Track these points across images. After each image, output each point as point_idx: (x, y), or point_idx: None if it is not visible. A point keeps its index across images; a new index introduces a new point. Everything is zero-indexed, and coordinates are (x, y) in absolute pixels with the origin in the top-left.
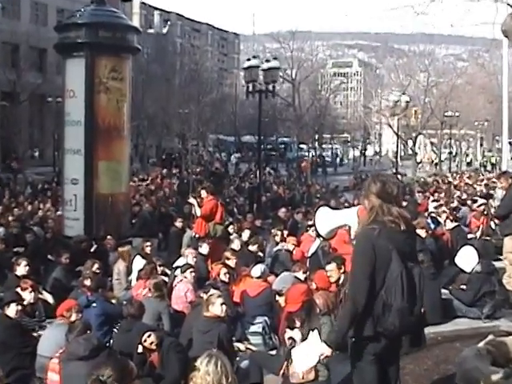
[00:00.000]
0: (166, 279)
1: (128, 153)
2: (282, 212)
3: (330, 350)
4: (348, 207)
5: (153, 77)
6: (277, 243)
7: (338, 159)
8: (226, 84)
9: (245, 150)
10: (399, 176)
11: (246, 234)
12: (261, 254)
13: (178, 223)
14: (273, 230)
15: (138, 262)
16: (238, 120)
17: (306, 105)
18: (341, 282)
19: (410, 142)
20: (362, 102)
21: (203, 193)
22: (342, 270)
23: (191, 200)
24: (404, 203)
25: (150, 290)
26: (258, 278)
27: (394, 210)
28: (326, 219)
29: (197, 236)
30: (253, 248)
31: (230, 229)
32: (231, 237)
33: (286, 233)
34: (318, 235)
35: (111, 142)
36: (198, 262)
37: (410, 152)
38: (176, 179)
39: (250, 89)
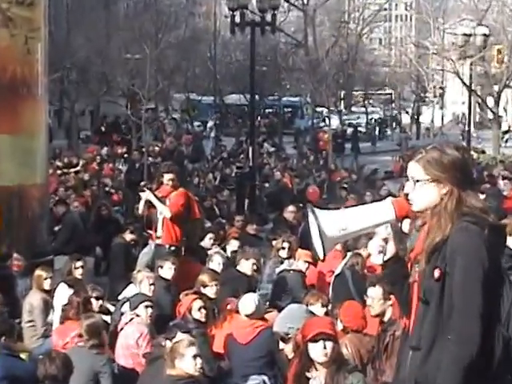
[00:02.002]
0: (108, 319)
1: (45, 122)
2: (289, 212)
3: None
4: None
5: (84, 2)
6: (281, 260)
7: (376, 129)
8: (199, 14)
9: (230, 117)
10: (474, 154)
11: (232, 247)
12: (257, 276)
13: (127, 234)
14: (275, 241)
15: (63, 294)
16: (218, 70)
17: (326, 45)
18: (386, 318)
19: (491, 101)
20: (414, 39)
21: (167, 179)
22: (390, 301)
23: (146, 194)
24: (481, 195)
25: (81, 336)
26: (249, 315)
27: (478, 201)
28: (326, 228)
29: (169, 248)
30: (243, 267)
31: (208, 239)
32: (210, 251)
33: (295, 244)
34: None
35: (16, 104)
36: (157, 292)
37: (491, 116)
38: (123, 163)
39: (237, 20)
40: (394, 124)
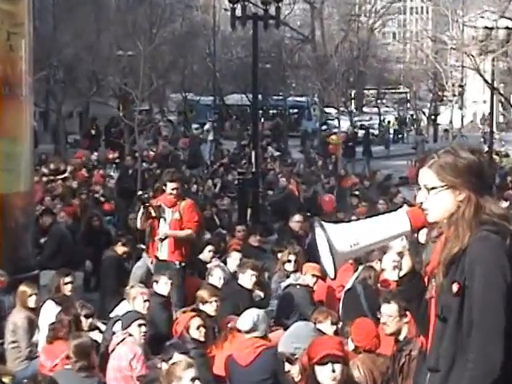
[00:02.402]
0: (99, 338)
1: (30, 125)
2: (295, 222)
3: None
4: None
5: None
6: (287, 274)
7: (390, 131)
8: (197, 7)
9: (231, 119)
10: (496, 157)
11: (234, 260)
12: (260, 292)
13: (119, 246)
14: (280, 253)
15: (50, 312)
16: (218, 68)
17: (335, 40)
18: (402, 336)
19: None
20: (431, 33)
21: (171, 188)
22: (405, 318)
23: (164, 233)
24: (504, 202)
25: (69, 357)
26: (248, 332)
27: (498, 207)
28: (336, 243)
29: (180, 264)
30: (246, 281)
31: (208, 251)
32: (209, 265)
33: (302, 256)
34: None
35: None
36: (152, 309)
37: None
38: (115, 170)
39: (239, 13)
40: (414, 125)
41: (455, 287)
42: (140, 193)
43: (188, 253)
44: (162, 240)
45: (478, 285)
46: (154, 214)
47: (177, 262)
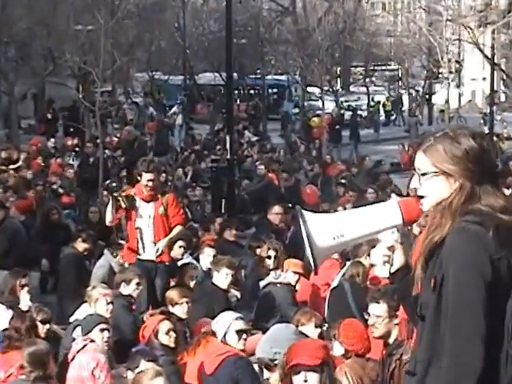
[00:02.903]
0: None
1: None
2: (274, 214)
3: None
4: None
5: None
6: (267, 271)
7: (379, 112)
8: None
9: (203, 100)
10: (497, 140)
11: (207, 256)
12: (236, 292)
13: (80, 243)
14: (259, 249)
15: (2, 317)
16: (188, 44)
17: (318, 12)
18: (391, 339)
19: None
20: (425, 3)
21: (147, 179)
22: (396, 319)
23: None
24: (506, 190)
25: (22, 367)
26: (224, 337)
27: (498, 199)
28: (317, 235)
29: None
30: (221, 281)
31: (178, 247)
32: (180, 262)
33: (282, 252)
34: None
35: None
36: (116, 312)
37: None
38: (74, 158)
39: None
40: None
41: (432, 282)
42: (108, 182)
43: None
44: (160, 254)
45: (451, 283)
46: (124, 205)
47: (166, 263)
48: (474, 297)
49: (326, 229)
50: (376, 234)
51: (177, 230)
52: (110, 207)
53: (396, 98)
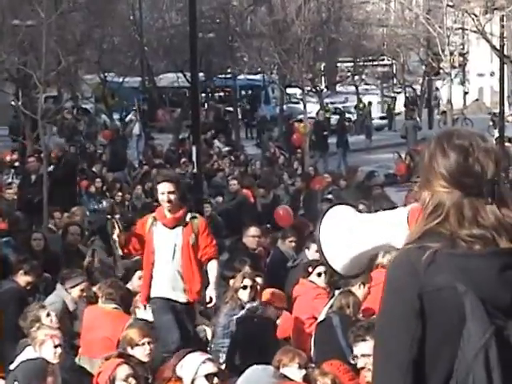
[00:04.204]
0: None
1: None
2: (250, 236)
3: None
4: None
5: None
6: (242, 305)
7: (369, 115)
8: None
9: (164, 106)
10: (508, 144)
11: None
12: (207, 327)
13: (21, 276)
14: (233, 280)
15: None
16: (146, 40)
17: (298, 0)
18: None
19: None
20: None
21: (163, 191)
22: None
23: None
24: None
25: None
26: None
27: (485, 213)
28: (340, 235)
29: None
30: None
31: (138, 278)
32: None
33: (260, 281)
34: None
35: None
36: (65, 357)
37: None
38: (14, 176)
39: None
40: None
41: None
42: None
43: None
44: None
45: (376, 329)
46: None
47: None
48: (394, 329)
49: (345, 232)
50: (388, 239)
51: (215, 267)
52: (116, 232)
53: (412, 97)
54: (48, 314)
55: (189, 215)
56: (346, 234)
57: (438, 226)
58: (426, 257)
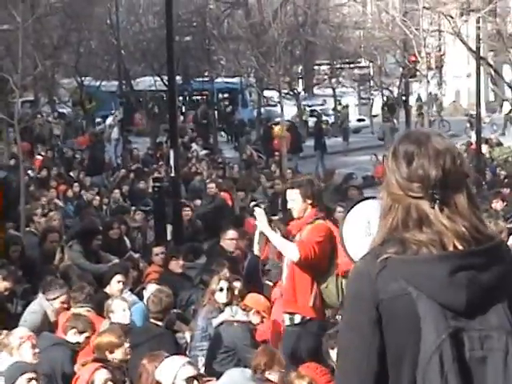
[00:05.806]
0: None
1: None
2: (228, 239)
3: None
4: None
5: None
6: (220, 308)
7: (346, 118)
8: None
9: (142, 109)
10: (486, 147)
11: (149, 292)
12: (186, 334)
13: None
14: (212, 285)
15: None
16: (123, 43)
17: (274, 3)
18: None
19: (508, 72)
20: None
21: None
22: None
23: None
24: (499, 203)
25: None
26: None
27: (432, 217)
28: (360, 231)
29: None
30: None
31: (117, 282)
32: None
33: (239, 285)
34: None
35: None
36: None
37: (509, 94)
38: None
39: None
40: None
41: None
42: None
43: None
44: None
45: (338, 340)
46: None
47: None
48: (354, 340)
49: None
50: None
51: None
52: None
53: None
54: None
55: None
56: (366, 229)
57: (393, 230)
58: (377, 265)
